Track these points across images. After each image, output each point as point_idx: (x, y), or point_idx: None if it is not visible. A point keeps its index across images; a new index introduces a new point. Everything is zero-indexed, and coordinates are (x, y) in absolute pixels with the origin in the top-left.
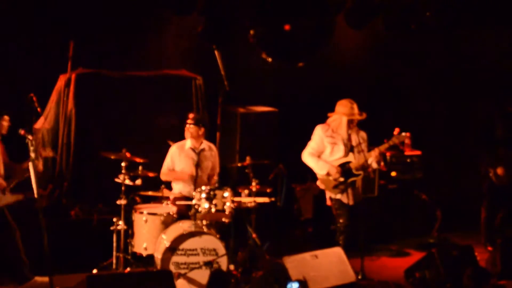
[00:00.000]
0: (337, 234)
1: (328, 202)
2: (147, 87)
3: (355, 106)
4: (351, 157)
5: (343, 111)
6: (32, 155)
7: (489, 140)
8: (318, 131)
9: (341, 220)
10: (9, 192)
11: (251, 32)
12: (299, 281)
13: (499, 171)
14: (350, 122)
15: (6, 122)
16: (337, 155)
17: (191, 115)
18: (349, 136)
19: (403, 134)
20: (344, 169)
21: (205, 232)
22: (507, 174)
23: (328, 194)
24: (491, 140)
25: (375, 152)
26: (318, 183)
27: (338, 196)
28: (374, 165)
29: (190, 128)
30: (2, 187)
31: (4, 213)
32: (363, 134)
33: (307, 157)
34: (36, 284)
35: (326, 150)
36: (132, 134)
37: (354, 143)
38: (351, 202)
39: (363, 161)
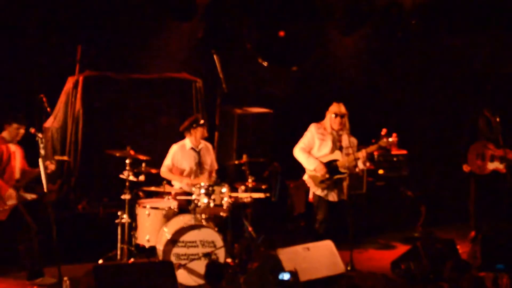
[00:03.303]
0: (315, 226)
1: (310, 198)
2: (150, 89)
3: (341, 105)
4: (337, 155)
5: (331, 110)
6: (42, 152)
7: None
8: (311, 129)
9: (318, 215)
10: (22, 191)
11: (248, 37)
12: (290, 272)
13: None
14: (334, 120)
15: (22, 130)
16: (324, 151)
17: (200, 119)
18: (340, 137)
19: (390, 140)
20: (331, 166)
21: (204, 225)
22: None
23: (312, 190)
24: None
25: (362, 153)
26: (305, 178)
27: (321, 193)
28: (361, 166)
29: (198, 131)
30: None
31: (21, 211)
32: (353, 140)
33: (298, 152)
34: (41, 281)
35: (315, 146)
36: (136, 133)
37: (344, 144)
38: (335, 199)
39: (352, 163)
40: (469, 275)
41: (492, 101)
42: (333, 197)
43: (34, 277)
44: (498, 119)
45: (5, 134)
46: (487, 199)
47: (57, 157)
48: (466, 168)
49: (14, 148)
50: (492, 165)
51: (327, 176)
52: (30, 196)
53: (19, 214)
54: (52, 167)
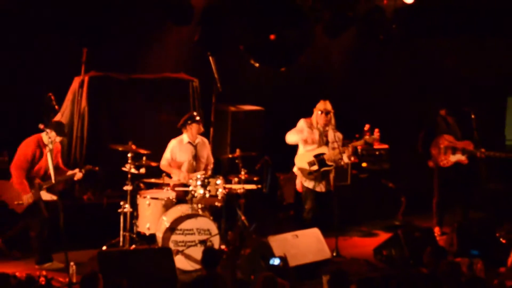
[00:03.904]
0: (303, 215)
1: (298, 188)
2: (150, 88)
3: (327, 103)
4: (324, 149)
5: (317, 107)
6: (50, 146)
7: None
8: (301, 123)
9: (306, 205)
10: (45, 190)
11: (241, 41)
12: (280, 257)
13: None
14: (320, 117)
15: (59, 139)
16: (312, 145)
17: (195, 116)
18: (326, 132)
19: (373, 136)
20: (319, 159)
21: (200, 215)
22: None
23: (301, 181)
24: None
25: (348, 149)
26: (295, 169)
27: (309, 184)
28: (346, 159)
29: (194, 127)
30: (40, 183)
31: (39, 203)
32: (339, 134)
33: (288, 135)
34: (49, 265)
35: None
36: (137, 128)
37: (330, 139)
38: (323, 190)
39: (338, 156)
40: (446, 261)
41: (450, 101)
42: (320, 188)
43: (43, 262)
44: (473, 116)
45: (44, 136)
46: (452, 191)
47: (87, 167)
48: (431, 164)
49: (48, 149)
50: (455, 158)
51: (315, 168)
52: (50, 197)
53: (35, 205)
54: (80, 175)
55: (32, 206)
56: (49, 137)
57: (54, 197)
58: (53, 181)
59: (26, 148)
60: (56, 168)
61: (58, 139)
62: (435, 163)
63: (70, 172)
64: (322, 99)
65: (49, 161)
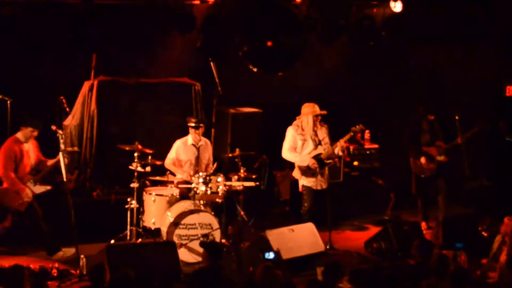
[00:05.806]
0: (302, 212)
1: (300, 189)
2: (155, 92)
3: (316, 106)
4: (320, 149)
5: (308, 112)
6: (62, 146)
7: (414, 140)
8: (291, 131)
9: (306, 204)
10: (38, 184)
11: (240, 47)
12: (274, 251)
13: (423, 160)
14: (315, 120)
15: (35, 133)
16: (307, 149)
17: (198, 120)
18: (315, 132)
19: (357, 126)
20: (318, 159)
21: (202, 210)
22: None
23: (301, 182)
24: (416, 139)
25: (340, 143)
26: (294, 173)
27: (309, 183)
28: (340, 153)
29: (198, 131)
30: (32, 179)
31: (32, 203)
32: (325, 128)
33: (288, 154)
34: (62, 255)
35: (297, 146)
36: (143, 129)
37: (321, 137)
38: (319, 187)
39: (331, 151)
40: (436, 253)
41: (435, 104)
42: (321, 186)
43: (53, 253)
44: (457, 117)
45: (19, 135)
46: (431, 188)
47: (68, 149)
48: (423, 159)
49: (28, 147)
50: (436, 161)
51: (317, 169)
52: (45, 188)
53: (29, 206)
54: (65, 160)
55: (27, 208)
56: (61, 137)
57: (48, 187)
58: (64, 178)
59: (6, 150)
60: (40, 161)
61: (35, 133)
62: (422, 173)
63: (53, 160)
64: (308, 102)
65: (61, 161)
